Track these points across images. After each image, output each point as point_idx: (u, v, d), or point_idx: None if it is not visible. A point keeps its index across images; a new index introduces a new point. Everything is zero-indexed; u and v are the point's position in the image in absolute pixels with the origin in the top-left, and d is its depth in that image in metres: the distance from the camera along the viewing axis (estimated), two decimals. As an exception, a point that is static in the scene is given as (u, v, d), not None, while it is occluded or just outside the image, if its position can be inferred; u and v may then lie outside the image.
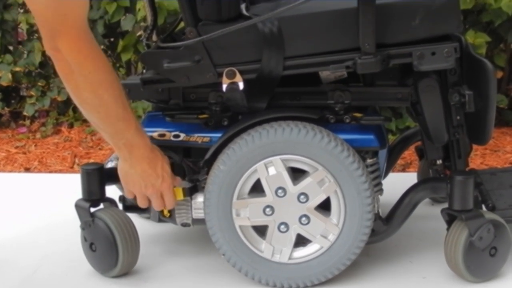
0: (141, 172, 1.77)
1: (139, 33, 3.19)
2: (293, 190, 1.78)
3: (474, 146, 2.07)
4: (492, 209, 1.91)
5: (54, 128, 3.44)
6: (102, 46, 3.40)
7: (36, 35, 3.44)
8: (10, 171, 3.01)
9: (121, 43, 3.20)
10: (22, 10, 3.44)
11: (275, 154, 1.76)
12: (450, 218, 1.84)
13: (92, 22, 3.28)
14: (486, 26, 3.10)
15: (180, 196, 1.85)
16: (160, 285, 1.91)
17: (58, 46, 1.59)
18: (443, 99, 1.82)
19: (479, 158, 2.90)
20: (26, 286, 1.93)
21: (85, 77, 1.62)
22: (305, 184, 1.78)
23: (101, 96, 1.65)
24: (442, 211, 1.86)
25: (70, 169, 2.99)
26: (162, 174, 1.78)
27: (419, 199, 1.88)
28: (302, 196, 1.79)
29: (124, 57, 3.19)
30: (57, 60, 1.64)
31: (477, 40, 2.95)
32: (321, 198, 1.79)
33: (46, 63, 3.48)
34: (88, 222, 1.90)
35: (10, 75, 3.42)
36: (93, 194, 1.92)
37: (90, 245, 1.92)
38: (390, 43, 1.73)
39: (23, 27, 3.41)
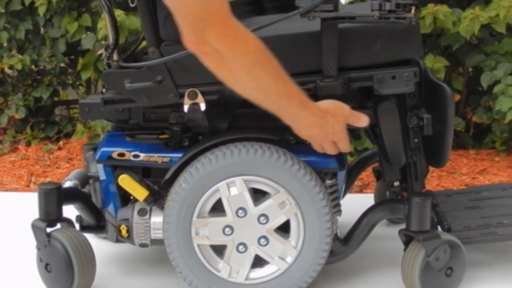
0: (310, 135, 1.74)
1: (99, 52, 3.18)
2: (253, 211, 1.79)
3: (431, 168, 2.10)
4: (448, 230, 1.93)
5: (11, 146, 3.40)
6: (62, 64, 3.39)
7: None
8: (-35, 189, 2.98)
9: (81, 61, 3.19)
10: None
11: (238, 175, 1.77)
12: (407, 238, 1.86)
13: (53, 41, 3.27)
14: (445, 50, 3.15)
15: (142, 197, 1.85)
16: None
17: (205, 37, 1.52)
18: (402, 122, 1.84)
19: (435, 180, 2.94)
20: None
21: (237, 62, 1.56)
22: (266, 205, 1.78)
23: (258, 77, 1.59)
24: (400, 232, 1.88)
25: (27, 188, 2.97)
26: (332, 136, 1.74)
27: (377, 220, 1.90)
28: (262, 218, 1.79)
29: (84, 76, 3.18)
30: (204, 53, 1.56)
31: (436, 64, 2.99)
32: (281, 220, 1.79)
33: (4, 80, 3.46)
34: (44, 242, 1.88)
35: (-34, 93, 3.40)
36: (50, 214, 1.90)
37: (46, 266, 1.90)
38: (351, 66, 1.75)
39: (-19, 43, 3.38)
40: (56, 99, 3.53)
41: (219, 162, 1.76)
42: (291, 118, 1.69)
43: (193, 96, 1.77)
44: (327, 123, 1.72)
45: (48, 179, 3.04)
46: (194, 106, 1.77)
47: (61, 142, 3.44)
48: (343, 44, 1.71)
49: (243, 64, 1.57)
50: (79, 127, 3.32)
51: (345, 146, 1.78)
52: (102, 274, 2.01)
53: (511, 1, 2.89)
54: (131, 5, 1.73)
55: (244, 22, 1.86)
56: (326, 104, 1.72)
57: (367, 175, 2.84)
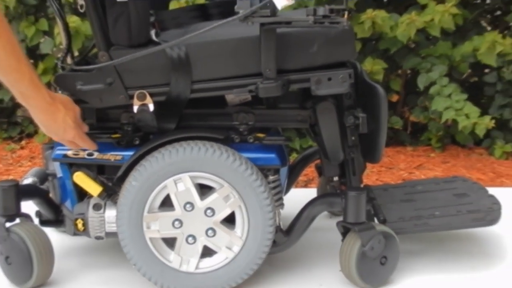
0: (42, 122, 1.72)
1: (58, 56, 3.16)
2: (200, 205, 1.80)
3: (371, 164, 2.11)
4: (383, 221, 1.95)
5: (-26, 145, 3.37)
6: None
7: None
8: None
9: (41, 65, 3.16)
10: None
11: (184, 171, 1.77)
12: (345, 230, 1.88)
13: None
14: (383, 53, 3.18)
15: (96, 193, 1.84)
16: (73, 296, 1.91)
17: None
18: (339, 121, 1.86)
19: (375, 175, 2.97)
20: None
21: None
22: (211, 199, 1.80)
23: None
24: (338, 223, 1.89)
25: (-11, 185, 2.93)
26: (64, 126, 1.72)
27: (316, 213, 1.92)
28: (208, 211, 1.80)
29: (45, 79, 3.14)
30: None
31: (375, 66, 3.03)
32: (226, 213, 1.80)
33: (-35, 83, 3.41)
34: (4, 236, 1.87)
35: None
36: (9, 209, 1.90)
37: (6, 258, 1.90)
38: (290, 69, 1.75)
39: None
40: (17, 101, 3.49)
41: (166, 160, 1.77)
42: (23, 97, 1.67)
43: (142, 97, 1.77)
44: (58, 112, 1.71)
45: (11, 177, 3.00)
46: (143, 107, 1.77)
47: (23, 142, 3.41)
48: (282, 47, 1.72)
49: None
50: (42, 128, 3.30)
51: (86, 144, 1.80)
52: (61, 266, 2.00)
53: (445, 6, 2.95)
54: (80, 10, 1.73)
55: (190, 27, 1.88)
56: (59, 95, 1.74)
57: (311, 171, 2.85)
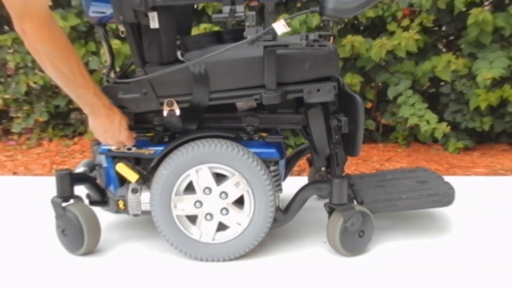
0: (102, 125, 1.73)
1: (103, 71, 3.16)
2: (216, 190, 1.79)
3: (350, 157, 2.10)
4: (361, 203, 1.95)
5: (37, 142, 3.36)
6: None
7: (22, 70, 3.36)
8: (1, 174, 2.93)
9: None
10: (11, 51, 3.36)
11: (204, 163, 1.77)
12: (330, 209, 1.88)
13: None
14: (360, 70, 3.17)
15: (134, 179, 1.84)
16: (116, 260, 1.89)
17: (24, 29, 1.51)
18: (326, 123, 1.86)
19: (353, 166, 2.95)
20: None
21: (46, 54, 1.55)
22: (225, 185, 1.79)
23: (60, 69, 1.59)
24: (325, 204, 1.89)
25: (49, 173, 2.94)
26: (119, 127, 1.75)
27: (308, 196, 1.91)
28: (223, 194, 1.80)
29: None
30: (24, 39, 1.54)
31: (353, 80, 3.02)
32: (236, 196, 1.80)
33: (30, 92, 3.40)
34: (61, 213, 1.88)
35: (1, 101, 3.35)
36: (65, 192, 1.90)
37: (62, 231, 1.90)
38: (287, 82, 1.75)
39: (11, 64, 3.33)
40: (71, 106, 3.49)
41: (189, 154, 1.76)
42: (88, 106, 1.69)
43: (170, 104, 1.76)
44: (116, 115, 1.73)
45: (66, 167, 3.00)
46: (171, 112, 1.77)
47: (76, 139, 3.41)
48: (280, 65, 1.72)
49: (50, 57, 1.56)
50: (90, 128, 3.30)
51: (129, 143, 1.81)
52: (106, 237, 2.00)
53: (409, 33, 2.94)
54: (121, 35, 1.72)
55: (208, 49, 1.88)
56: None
57: (303, 163, 2.85)
